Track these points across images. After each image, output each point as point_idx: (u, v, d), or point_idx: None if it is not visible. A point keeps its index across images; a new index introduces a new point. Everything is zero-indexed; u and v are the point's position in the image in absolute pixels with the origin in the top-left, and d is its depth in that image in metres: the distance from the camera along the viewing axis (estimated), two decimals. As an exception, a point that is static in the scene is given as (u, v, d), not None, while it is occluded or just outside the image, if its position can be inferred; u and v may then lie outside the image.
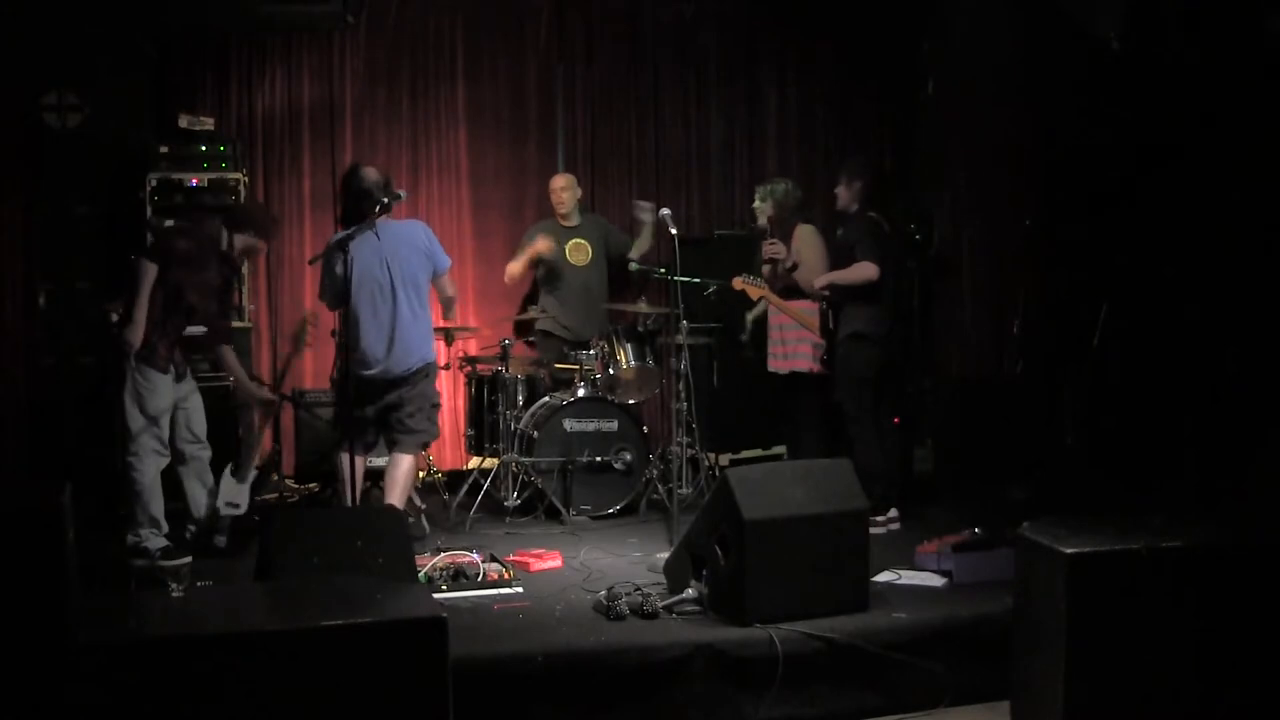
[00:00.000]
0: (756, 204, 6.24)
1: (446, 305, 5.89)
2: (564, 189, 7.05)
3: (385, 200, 5.43)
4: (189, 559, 5.31)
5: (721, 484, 4.26)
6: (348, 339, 5.41)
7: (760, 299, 6.23)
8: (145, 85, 6.86)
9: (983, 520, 5.03)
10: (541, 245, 6.87)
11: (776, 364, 6.18)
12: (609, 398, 6.38)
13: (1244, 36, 5.41)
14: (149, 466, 5.36)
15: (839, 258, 5.94)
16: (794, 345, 6.06)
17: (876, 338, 5.81)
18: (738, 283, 6.07)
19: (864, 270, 5.74)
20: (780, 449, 6.94)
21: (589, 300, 6.97)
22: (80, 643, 2.94)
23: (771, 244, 6.08)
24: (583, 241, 7.04)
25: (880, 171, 8.31)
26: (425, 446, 5.79)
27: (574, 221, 7.08)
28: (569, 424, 6.27)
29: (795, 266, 6.03)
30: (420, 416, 5.53)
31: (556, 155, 8.00)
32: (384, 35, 7.74)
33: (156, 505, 5.36)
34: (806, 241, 6.06)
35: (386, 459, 6.06)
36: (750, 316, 6.76)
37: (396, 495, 5.46)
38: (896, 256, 6.19)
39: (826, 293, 5.90)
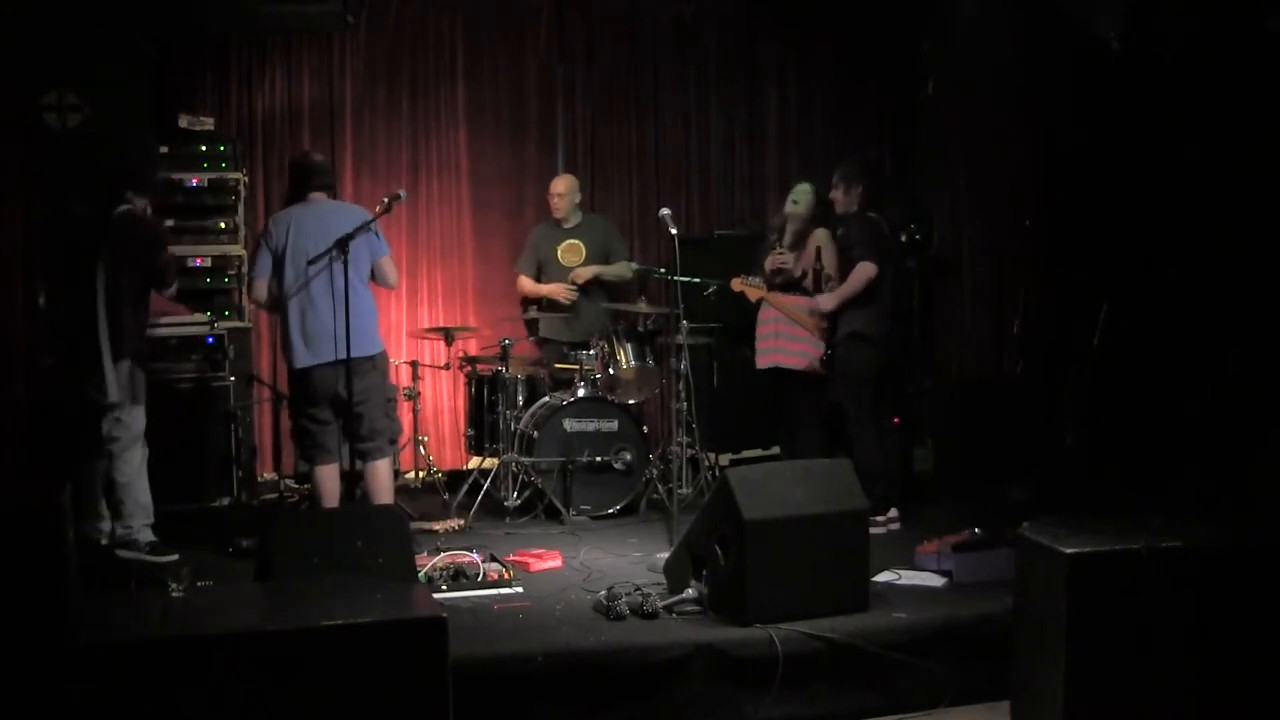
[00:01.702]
0: (793, 206, 6.05)
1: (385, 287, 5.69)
2: (561, 195, 6.95)
3: (330, 183, 5.47)
4: (175, 555, 5.35)
5: (721, 484, 4.26)
6: (288, 328, 5.28)
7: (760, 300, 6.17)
8: (145, 85, 6.85)
9: (983, 520, 5.02)
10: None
11: (764, 360, 6.15)
12: (609, 398, 6.37)
13: (1244, 36, 5.41)
14: (137, 456, 5.44)
15: (840, 259, 5.95)
16: (786, 341, 6.03)
17: (876, 338, 5.80)
18: (736, 284, 6.05)
19: (864, 271, 5.72)
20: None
21: (582, 302, 6.93)
22: (80, 643, 2.94)
23: (780, 254, 6.02)
24: (577, 242, 6.99)
25: (880, 171, 8.33)
26: (394, 444, 5.62)
27: (572, 222, 7.04)
28: (569, 424, 6.27)
29: (804, 275, 5.98)
30: (378, 412, 5.38)
31: (556, 155, 8.01)
32: (384, 35, 7.74)
33: (146, 493, 5.43)
34: (824, 246, 6.03)
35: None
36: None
37: (389, 493, 5.47)
38: (896, 256, 6.17)
39: (835, 310, 5.86)
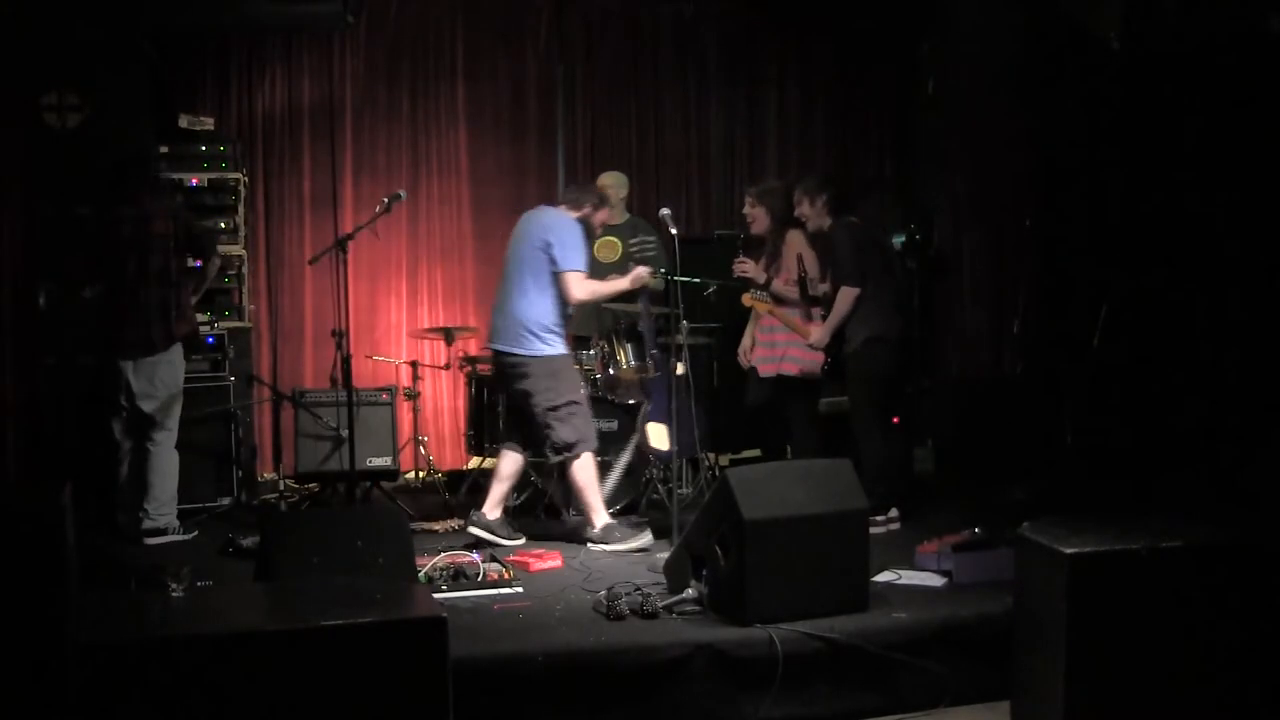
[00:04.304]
0: (749, 209, 6.11)
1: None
2: (607, 186, 6.82)
3: (570, 197, 5.61)
4: (195, 532, 5.66)
5: (721, 484, 4.25)
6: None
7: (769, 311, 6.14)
8: (145, 85, 6.85)
9: (983, 520, 5.02)
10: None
11: (765, 367, 6.13)
12: (609, 398, 6.37)
13: (1244, 36, 5.41)
14: (172, 440, 5.68)
15: (824, 265, 5.97)
16: (784, 348, 6.02)
17: (892, 336, 5.81)
18: (747, 299, 6.01)
19: (848, 296, 5.73)
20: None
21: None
22: (80, 643, 2.94)
23: (741, 263, 6.01)
24: (614, 240, 6.91)
25: (880, 172, 8.35)
26: (567, 450, 5.43)
27: (615, 220, 6.91)
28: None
29: (769, 282, 5.97)
30: (544, 416, 5.41)
31: (556, 155, 8.01)
32: (384, 35, 7.75)
33: (175, 482, 5.69)
34: (790, 248, 6.02)
35: (386, 459, 6.08)
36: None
37: (582, 498, 5.53)
38: (888, 254, 6.16)
39: (824, 343, 5.86)
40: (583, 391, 5.63)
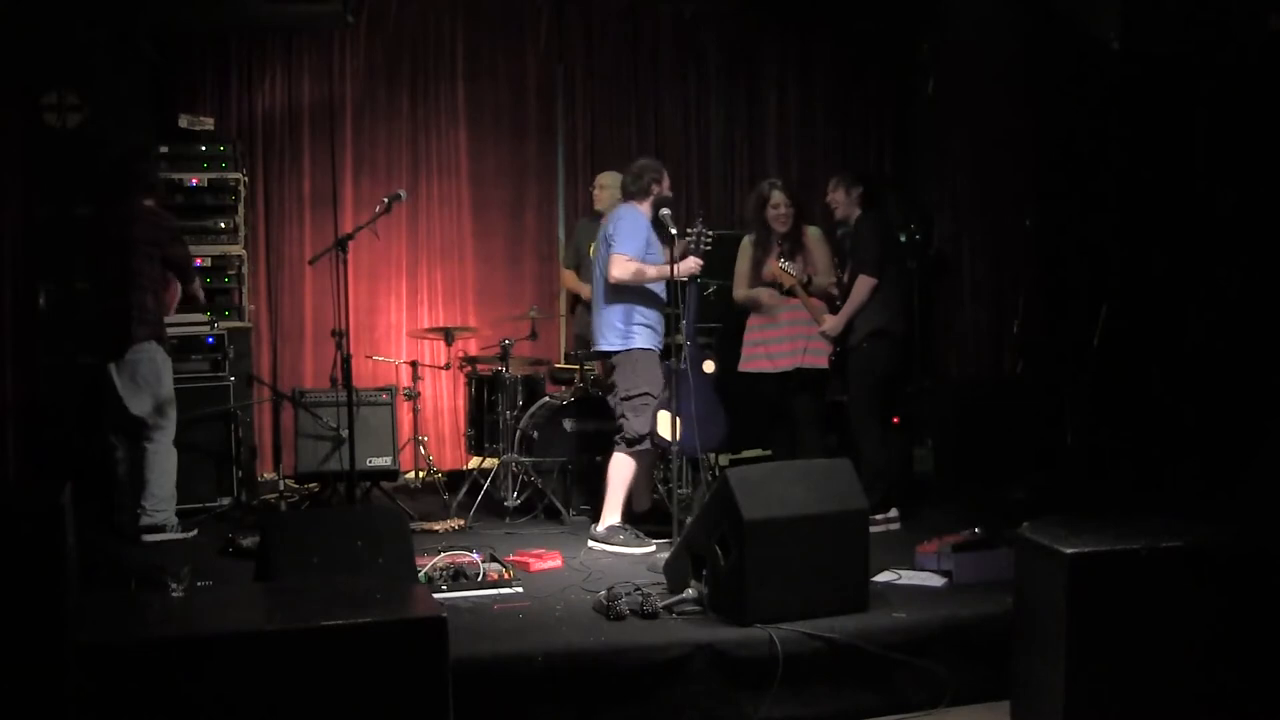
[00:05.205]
0: (784, 209, 5.95)
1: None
2: (604, 187, 6.80)
3: (631, 190, 5.63)
4: (195, 532, 5.66)
5: (721, 484, 4.25)
6: None
7: (790, 288, 6.09)
8: (145, 85, 6.85)
9: (983, 520, 5.02)
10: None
11: (784, 361, 6.10)
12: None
13: (1244, 36, 5.41)
14: (169, 438, 5.64)
15: (843, 258, 5.97)
16: (805, 341, 6.00)
17: (897, 332, 5.82)
18: (775, 266, 5.95)
19: (864, 286, 5.76)
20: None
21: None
22: (80, 643, 2.94)
23: (780, 266, 5.98)
24: None
25: (880, 172, 8.34)
26: (633, 444, 5.53)
27: None
28: (569, 424, 6.26)
29: (810, 280, 5.96)
30: (619, 407, 5.55)
31: (556, 155, 8.02)
32: (384, 35, 7.76)
33: (174, 480, 5.65)
34: (816, 244, 6.03)
35: (386, 459, 6.06)
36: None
37: (607, 492, 5.56)
38: (898, 253, 6.18)
39: (838, 331, 5.86)
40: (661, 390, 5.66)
